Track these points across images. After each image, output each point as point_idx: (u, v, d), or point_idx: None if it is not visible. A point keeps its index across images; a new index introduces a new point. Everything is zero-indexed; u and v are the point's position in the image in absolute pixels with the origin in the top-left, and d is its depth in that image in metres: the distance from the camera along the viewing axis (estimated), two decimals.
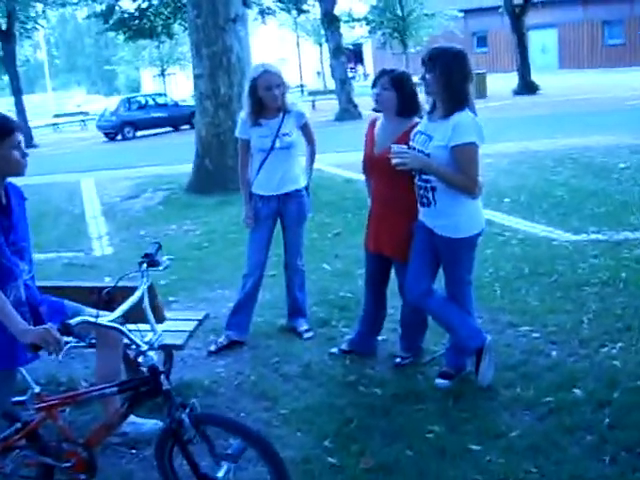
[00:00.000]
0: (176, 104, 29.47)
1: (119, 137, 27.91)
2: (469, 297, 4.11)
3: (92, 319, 2.63)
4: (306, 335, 5.03)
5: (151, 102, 29.89)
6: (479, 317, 4.92)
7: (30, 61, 42.56)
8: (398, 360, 4.47)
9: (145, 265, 2.97)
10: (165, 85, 45.59)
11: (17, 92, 28.39)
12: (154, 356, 2.74)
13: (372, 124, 4.36)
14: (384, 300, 4.65)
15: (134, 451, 3.58)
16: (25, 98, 30.76)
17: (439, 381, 4.11)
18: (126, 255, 7.79)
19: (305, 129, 5.00)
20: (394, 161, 3.81)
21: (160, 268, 3.01)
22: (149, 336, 2.77)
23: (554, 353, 4.40)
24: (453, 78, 3.71)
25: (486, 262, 6.25)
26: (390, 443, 3.55)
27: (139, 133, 28.22)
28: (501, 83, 29.78)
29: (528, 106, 22.83)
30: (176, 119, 28.22)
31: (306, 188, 5.04)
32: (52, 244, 9.02)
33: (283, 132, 4.79)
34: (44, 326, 2.55)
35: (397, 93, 4.11)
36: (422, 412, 3.82)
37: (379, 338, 4.75)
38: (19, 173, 2.89)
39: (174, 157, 14.74)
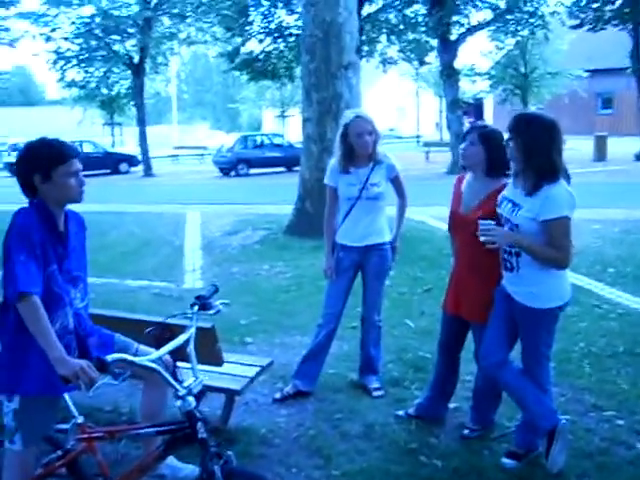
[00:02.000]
0: (291, 145, 29.86)
1: (233, 173, 28.63)
2: (546, 373, 3.82)
3: (129, 357, 2.57)
4: (375, 393, 4.84)
5: (267, 141, 30.57)
6: (561, 395, 4.62)
7: (160, 94, 44.50)
8: (466, 432, 4.21)
9: (196, 308, 2.92)
10: (284, 126, 46.67)
11: (142, 123, 29.77)
12: (192, 402, 2.65)
13: (459, 180, 4.18)
14: (457, 365, 4.41)
15: None
16: (151, 129, 32.28)
17: (506, 460, 3.82)
18: None
19: (396, 182, 4.87)
20: (482, 239, 3.59)
21: (211, 312, 2.94)
22: (189, 381, 2.68)
23: (639, 445, 4.01)
24: (538, 150, 3.47)
25: (578, 335, 5.89)
26: None
27: (252, 171, 28.82)
28: (623, 147, 28.64)
29: None
30: (290, 160, 28.44)
31: (392, 243, 4.90)
32: (148, 273, 9.28)
33: (372, 182, 4.69)
34: (81, 362, 2.51)
35: (485, 149, 3.91)
36: None
37: (450, 405, 4.51)
38: (74, 200, 2.89)
39: (282, 197, 14.86)
